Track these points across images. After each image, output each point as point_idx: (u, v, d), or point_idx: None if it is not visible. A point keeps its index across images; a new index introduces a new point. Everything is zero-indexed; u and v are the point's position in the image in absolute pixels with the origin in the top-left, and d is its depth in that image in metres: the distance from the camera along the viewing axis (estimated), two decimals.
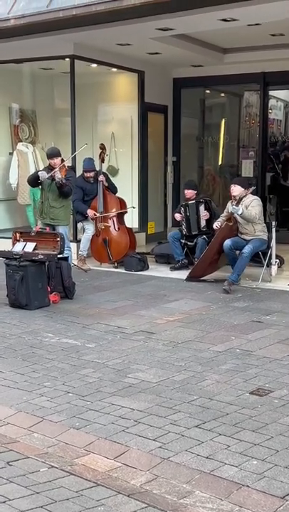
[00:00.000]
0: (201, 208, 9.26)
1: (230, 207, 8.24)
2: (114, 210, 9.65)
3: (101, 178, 9.61)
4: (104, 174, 9.87)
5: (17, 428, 3.99)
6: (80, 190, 9.57)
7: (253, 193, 8.39)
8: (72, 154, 8.68)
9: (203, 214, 9.22)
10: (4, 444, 3.75)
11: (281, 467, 3.42)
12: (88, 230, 9.68)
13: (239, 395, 4.46)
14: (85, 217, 9.70)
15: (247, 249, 7.92)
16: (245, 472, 3.37)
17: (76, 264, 9.23)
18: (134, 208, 10.01)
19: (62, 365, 5.15)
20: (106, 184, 9.70)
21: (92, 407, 4.28)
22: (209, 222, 9.11)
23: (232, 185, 8.30)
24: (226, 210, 8.45)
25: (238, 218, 8.08)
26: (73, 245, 9.49)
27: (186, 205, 9.37)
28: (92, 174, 9.65)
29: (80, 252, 9.54)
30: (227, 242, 8.03)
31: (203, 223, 9.23)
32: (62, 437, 3.85)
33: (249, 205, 8.04)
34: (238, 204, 8.02)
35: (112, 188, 9.84)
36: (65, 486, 3.26)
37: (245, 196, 8.13)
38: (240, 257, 7.97)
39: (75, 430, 3.94)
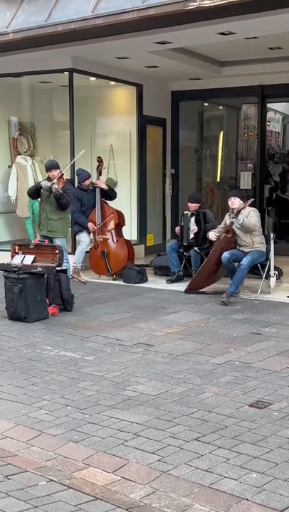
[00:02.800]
0: (192, 219, 9.25)
1: (227, 219, 8.28)
2: (112, 222, 9.64)
3: (99, 183, 9.61)
4: (109, 179, 9.91)
5: (16, 441, 3.98)
6: (78, 202, 9.58)
7: (251, 205, 8.42)
8: (71, 161, 8.68)
9: (192, 227, 9.21)
10: (3, 457, 3.73)
11: (281, 480, 3.40)
12: (82, 242, 9.69)
13: (238, 408, 4.44)
14: (82, 229, 9.70)
15: (245, 261, 7.93)
16: (245, 485, 3.35)
17: (74, 276, 9.21)
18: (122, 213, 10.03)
19: (61, 378, 5.14)
20: (105, 187, 9.69)
21: (90, 420, 4.26)
22: (197, 235, 9.13)
23: (231, 198, 8.33)
24: (223, 222, 8.48)
25: (237, 230, 8.10)
26: (71, 258, 9.48)
27: (182, 215, 9.43)
28: (88, 182, 9.67)
29: (73, 264, 9.46)
30: (225, 255, 8.04)
31: (191, 235, 9.21)
32: (60, 451, 3.84)
33: (248, 216, 8.05)
34: (236, 216, 8.05)
35: (111, 192, 9.84)
36: (64, 499, 3.24)
37: (243, 208, 8.16)
38: (239, 268, 7.98)
39: (74, 443, 3.93)
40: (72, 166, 9.92)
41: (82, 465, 3.65)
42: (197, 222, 9.27)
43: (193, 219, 9.27)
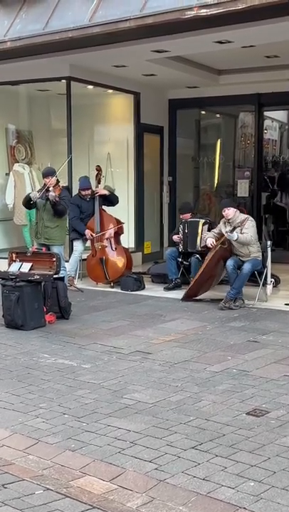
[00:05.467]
0: (205, 227, 9.17)
1: (222, 227, 8.28)
2: (111, 229, 9.65)
3: (99, 190, 9.66)
4: (107, 187, 9.98)
5: (12, 450, 3.96)
6: (77, 208, 9.62)
7: (247, 213, 8.44)
8: (59, 168, 8.76)
9: (204, 234, 9.16)
10: None
11: (278, 489, 3.40)
12: (76, 251, 9.72)
13: (236, 416, 4.44)
14: (79, 236, 9.72)
15: (247, 267, 7.97)
16: (242, 494, 3.34)
17: (70, 283, 9.18)
18: (123, 223, 10.04)
19: (58, 386, 5.13)
20: (106, 193, 9.72)
21: (87, 429, 4.25)
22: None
23: (225, 209, 8.30)
24: (218, 228, 8.47)
25: (234, 242, 8.10)
26: (68, 265, 9.47)
27: (185, 223, 9.37)
28: (88, 192, 9.72)
29: (67, 272, 9.43)
30: (230, 262, 8.05)
31: (203, 243, 9.03)
32: (57, 459, 3.82)
33: (243, 227, 8.04)
34: (231, 227, 8.01)
35: (112, 197, 9.86)
36: (61, 508, 3.23)
37: (236, 216, 8.18)
38: (241, 273, 7.98)
39: (71, 452, 3.91)
40: (70, 173, 9.94)
41: (79, 474, 3.64)
42: (208, 230, 9.26)
43: (206, 227, 9.19)
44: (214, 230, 8.60)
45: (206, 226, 9.26)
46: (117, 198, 10.00)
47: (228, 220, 8.23)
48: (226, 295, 8.02)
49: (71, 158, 9.88)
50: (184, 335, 6.74)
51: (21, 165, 11.42)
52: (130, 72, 10.80)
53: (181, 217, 9.62)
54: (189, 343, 6.41)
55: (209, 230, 9.22)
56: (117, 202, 9.97)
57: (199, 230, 9.23)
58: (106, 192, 9.77)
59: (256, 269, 8.22)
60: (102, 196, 9.74)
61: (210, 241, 8.42)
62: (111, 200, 9.86)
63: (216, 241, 8.28)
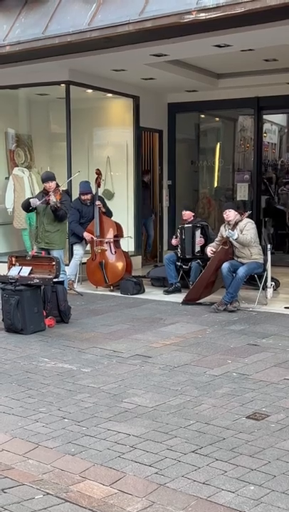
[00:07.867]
0: (197, 232, 9.32)
1: (223, 231, 8.30)
2: (110, 234, 9.67)
3: (98, 203, 9.69)
4: (101, 199, 9.95)
5: (12, 454, 3.95)
6: (77, 212, 9.64)
7: (248, 217, 8.45)
8: (66, 180, 8.86)
9: (198, 239, 9.28)
10: None
11: (278, 492, 3.39)
12: (76, 255, 9.72)
13: (236, 420, 4.43)
14: (79, 240, 9.73)
15: (241, 271, 7.95)
16: (243, 498, 3.34)
17: (70, 287, 9.18)
18: (130, 237, 10.10)
19: (57, 390, 5.12)
20: (103, 210, 9.78)
21: (87, 433, 4.24)
22: (204, 247, 9.17)
23: (226, 211, 8.34)
24: (219, 234, 8.49)
25: (234, 242, 8.12)
26: (68, 269, 9.46)
27: (182, 228, 9.44)
28: (88, 197, 9.74)
29: (67, 276, 9.41)
30: (225, 265, 8.05)
31: (197, 248, 9.27)
32: (57, 463, 3.82)
33: (244, 229, 8.08)
34: (233, 228, 8.08)
35: (107, 213, 9.91)
36: None
37: (241, 221, 8.20)
38: (235, 278, 7.98)
39: (71, 456, 3.91)
40: (70, 177, 9.95)
41: (79, 478, 3.63)
42: (203, 234, 9.31)
43: (198, 232, 9.30)
44: (216, 239, 8.61)
45: (199, 230, 9.31)
46: (111, 213, 10.03)
47: (229, 222, 8.25)
48: (222, 298, 8.03)
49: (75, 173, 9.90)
50: (183, 338, 6.73)
51: (21, 169, 11.42)
52: (129, 76, 10.82)
53: (183, 213, 9.63)
54: (189, 346, 6.41)
55: (202, 233, 9.28)
56: (111, 216, 9.98)
57: (195, 237, 9.28)
58: (103, 210, 9.78)
59: (252, 272, 8.20)
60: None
61: (209, 250, 8.45)
62: (106, 216, 9.91)
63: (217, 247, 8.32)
